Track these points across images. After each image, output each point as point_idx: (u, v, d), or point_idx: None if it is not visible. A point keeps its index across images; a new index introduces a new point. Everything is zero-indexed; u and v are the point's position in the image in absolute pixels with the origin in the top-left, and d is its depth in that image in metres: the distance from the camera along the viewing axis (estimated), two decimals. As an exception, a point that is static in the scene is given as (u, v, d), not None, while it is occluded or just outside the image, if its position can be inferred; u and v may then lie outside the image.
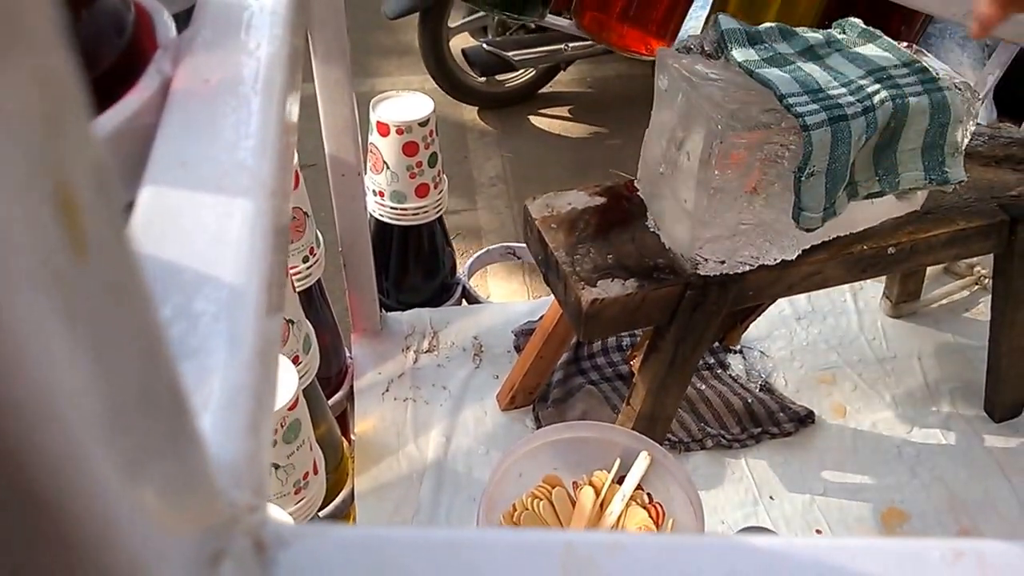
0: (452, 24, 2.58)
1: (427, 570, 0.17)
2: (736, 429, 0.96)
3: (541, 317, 1.07)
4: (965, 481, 0.92)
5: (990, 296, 0.93)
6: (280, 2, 0.30)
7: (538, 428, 0.97)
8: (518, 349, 1.06)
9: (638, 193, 0.81)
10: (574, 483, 0.78)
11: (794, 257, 0.75)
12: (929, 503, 0.91)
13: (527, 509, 0.75)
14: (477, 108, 2.86)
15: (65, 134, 0.09)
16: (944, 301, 1.08)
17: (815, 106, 0.66)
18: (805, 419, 0.97)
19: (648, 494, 0.76)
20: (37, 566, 0.12)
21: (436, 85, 2.71)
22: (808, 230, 0.71)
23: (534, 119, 2.92)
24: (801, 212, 0.69)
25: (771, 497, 0.91)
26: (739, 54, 0.71)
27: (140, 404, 0.11)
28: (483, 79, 2.70)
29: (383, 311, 1.08)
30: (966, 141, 0.71)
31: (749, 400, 0.98)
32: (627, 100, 2.96)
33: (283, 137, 0.26)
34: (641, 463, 0.74)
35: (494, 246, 1.23)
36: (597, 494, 0.75)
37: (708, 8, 0.97)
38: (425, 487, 0.91)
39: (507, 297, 2.24)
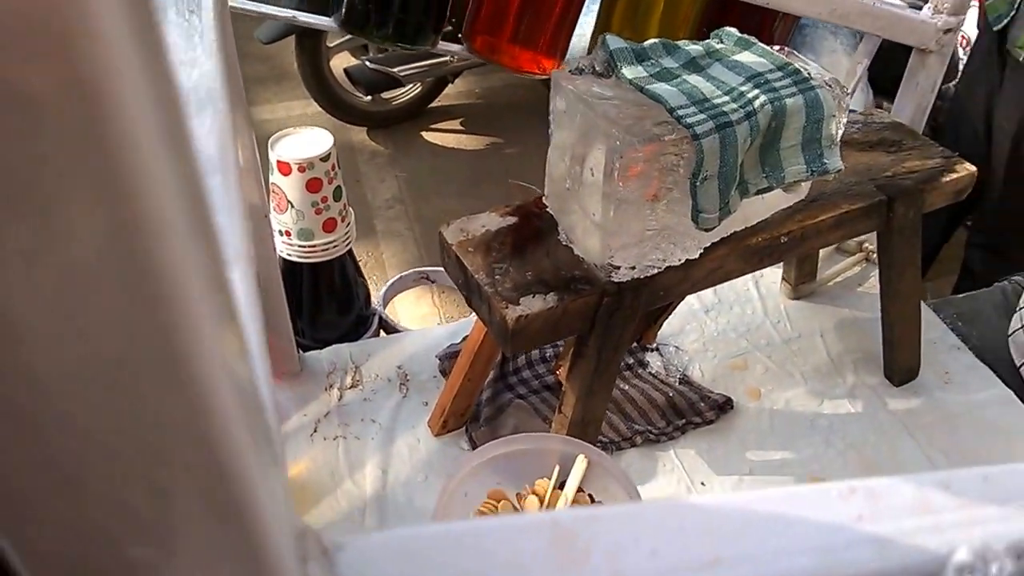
0: (331, 44, 2.61)
1: (447, 554, 0.23)
2: (662, 423, 1.04)
3: (463, 339, 1.13)
4: (875, 444, 1.03)
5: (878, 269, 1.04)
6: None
7: (473, 449, 1.03)
8: (444, 373, 1.11)
9: (547, 209, 0.88)
10: (518, 495, 0.84)
11: (697, 256, 0.83)
12: (845, 469, 1.01)
13: (474, 526, 0.81)
14: (366, 129, 2.90)
15: None
16: (839, 279, 1.19)
17: (703, 116, 0.74)
18: (724, 405, 1.06)
19: (589, 495, 0.82)
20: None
21: (320, 108, 2.73)
22: (707, 230, 0.79)
23: (426, 135, 2.98)
24: (699, 214, 0.77)
25: (702, 483, 0.99)
26: (629, 72, 0.79)
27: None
28: (369, 98, 2.75)
29: (300, 351, 1.12)
30: (840, 132, 0.81)
31: (670, 394, 1.06)
32: (517, 108, 3.06)
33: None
34: (579, 466, 0.81)
35: (407, 272, 1.28)
36: (541, 501, 0.81)
37: (594, 21, 1.05)
38: (369, 522, 0.95)
39: (419, 321, 2.28)
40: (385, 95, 2.77)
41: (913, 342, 1.06)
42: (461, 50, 1.02)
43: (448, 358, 1.12)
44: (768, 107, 0.77)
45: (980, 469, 0.34)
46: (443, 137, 3.00)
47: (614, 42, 0.81)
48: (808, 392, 1.08)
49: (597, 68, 0.82)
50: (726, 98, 0.77)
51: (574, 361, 0.85)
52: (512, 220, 0.88)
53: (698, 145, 0.73)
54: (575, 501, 0.81)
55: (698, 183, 0.75)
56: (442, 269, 1.26)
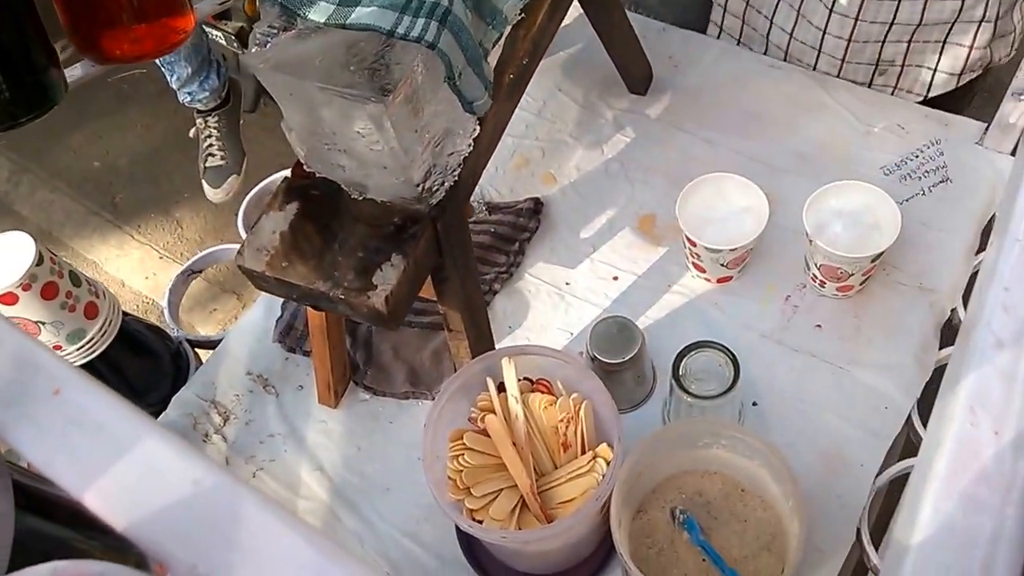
0: None
1: None
2: (502, 258, 1.08)
3: (282, 306, 1.09)
4: (661, 153, 1.13)
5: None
6: None
7: (373, 395, 1.03)
8: (292, 350, 1.07)
9: (316, 174, 0.82)
10: (471, 419, 0.87)
11: (478, 129, 0.82)
12: (658, 187, 1.11)
13: (461, 469, 0.85)
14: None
15: None
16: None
17: (421, 20, 0.70)
18: (536, 207, 1.11)
19: (528, 379, 0.88)
20: None
21: None
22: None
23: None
24: (472, 104, 0.76)
25: (567, 283, 1.07)
26: (316, 14, 0.72)
27: None
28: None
29: (148, 426, 1.03)
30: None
31: (491, 229, 1.09)
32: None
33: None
34: (507, 368, 0.85)
35: (172, 283, 1.17)
36: (497, 413, 0.85)
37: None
38: (347, 521, 0.96)
39: (219, 318, 2.14)
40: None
41: (637, 51, 1.13)
42: (91, 69, 0.86)
43: (284, 335, 1.08)
44: (463, -34, 0.74)
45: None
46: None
47: (278, -10, 0.73)
48: (585, 147, 1.15)
49: (277, 26, 0.74)
50: (425, -15, 0.73)
51: (440, 287, 0.86)
52: (295, 207, 0.82)
53: (438, 51, 0.70)
54: (522, 392, 0.86)
55: (457, 82, 0.73)
56: (200, 254, 1.18)
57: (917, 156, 1.07)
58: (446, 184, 0.80)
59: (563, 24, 1.22)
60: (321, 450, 1.01)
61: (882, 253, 0.91)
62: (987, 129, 1.07)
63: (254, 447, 1.02)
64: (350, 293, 0.77)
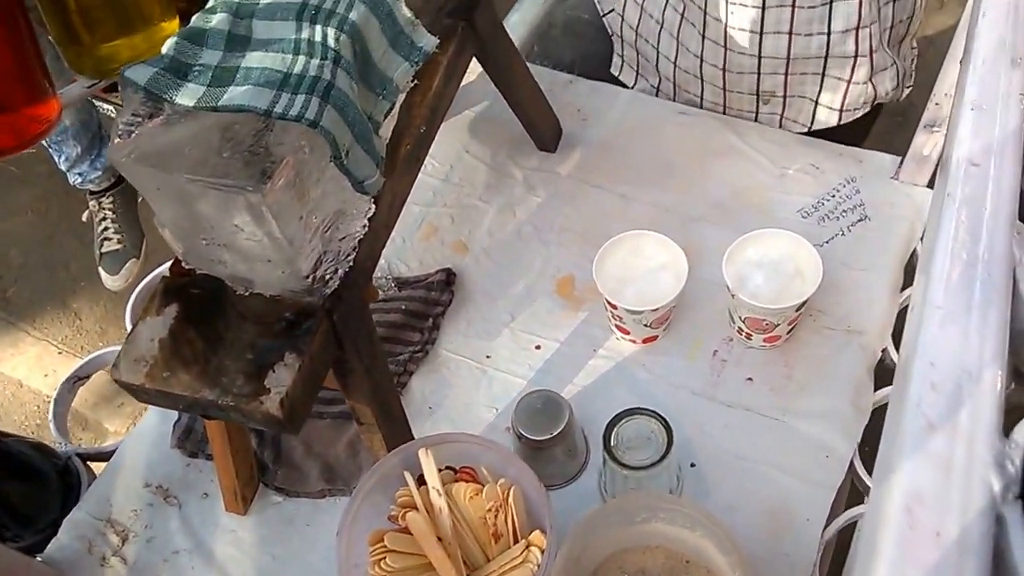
0: None
1: None
2: (416, 336, 1.04)
3: (181, 412, 1.03)
4: (577, 212, 1.10)
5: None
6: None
7: (286, 496, 0.98)
8: (194, 455, 1.01)
9: (197, 272, 0.78)
10: (391, 517, 0.83)
11: (373, 208, 0.79)
12: (565, 251, 1.08)
13: (387, 572, 0.80)
14: None
15: None
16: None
17: (301, 96, 0.67)
18: (449, 279, 1.07)
19: (450, 468, 0.83)
20: None
21: None
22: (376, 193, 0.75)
23: None
24: (362, 184, 0.73)
25: (488, 356, 1.03)
26: (184, 97, 0.68)
27: None
28: None
29: (36, 556, 0.96)
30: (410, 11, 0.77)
31: (402, 307, 1.05)
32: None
33: None
34: (426, 460, 0.80)
35: (57, 392, 1.10)
36: (419, 509, 0.81)
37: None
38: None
39: (113, 420, 2.02)
40: None
41: (543, 107, 1.11)
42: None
43: (184, 439, 1.02)
44: (343, 36, 0.70)
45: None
46: None
47: (137, 73, 0.68)
48: (497, 210, 1.12)
49: (142, 114, 0.70)
50: (302, 58, 0.69)
51: (344, 381, 0.81)
52: (174, 309, 0.77)
53: (321, 129, 0.67)
54: (444, 484, 0.81)
55: (344, 160, 0.70)
56: (86, 359, 1.12)
57: (833, 196, 1.08)
58: (340, 271, 0.76)
59: (465, 82, 1.21)
60: (232, 563, 0.94)
61: (806, 301, 0.90)
62: (901, 163, 1.08)
63: (157, 567, 0.95)
64: (240, 399, 0.72)
